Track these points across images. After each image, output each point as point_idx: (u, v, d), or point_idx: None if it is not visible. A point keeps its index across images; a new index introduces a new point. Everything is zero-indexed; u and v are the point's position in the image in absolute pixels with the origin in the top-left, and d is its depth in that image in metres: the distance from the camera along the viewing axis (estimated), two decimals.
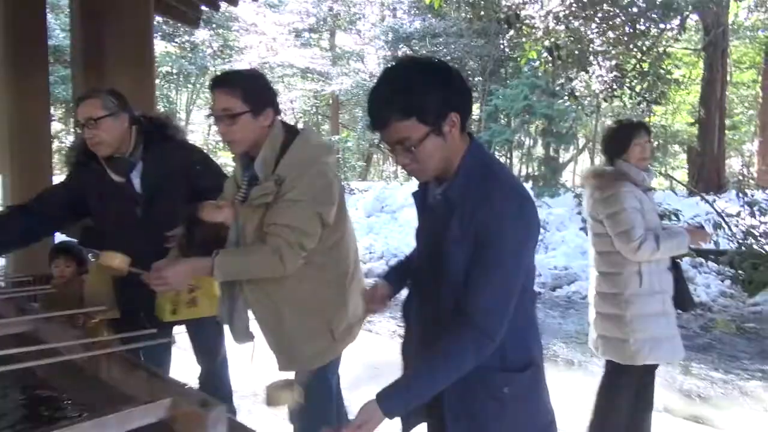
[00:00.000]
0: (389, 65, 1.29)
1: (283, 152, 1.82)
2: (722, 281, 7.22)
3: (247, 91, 1.78)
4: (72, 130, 20.06)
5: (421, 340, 1.42)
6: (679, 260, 2.61)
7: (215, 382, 2.41)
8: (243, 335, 2.01)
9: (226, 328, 2.06)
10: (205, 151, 2.70)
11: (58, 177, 3.12)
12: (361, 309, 2.06)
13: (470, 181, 1.24)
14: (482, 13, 7.40)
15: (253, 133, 1.82)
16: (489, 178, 1.25)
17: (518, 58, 10.16)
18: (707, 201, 8.28)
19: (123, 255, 1.83)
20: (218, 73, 2.13)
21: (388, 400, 1.21)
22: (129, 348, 1.37)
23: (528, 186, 13.32)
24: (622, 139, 2.50)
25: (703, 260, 7.67)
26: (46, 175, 4.46)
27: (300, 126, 2.10)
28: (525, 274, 1.27)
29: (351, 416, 1.30)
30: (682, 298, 2.56)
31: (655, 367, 2.61)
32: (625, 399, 2.56)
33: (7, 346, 1.37)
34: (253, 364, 2.01)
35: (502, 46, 18.48)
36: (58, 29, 14.16)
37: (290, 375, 1.92)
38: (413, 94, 1.21)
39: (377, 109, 1.26)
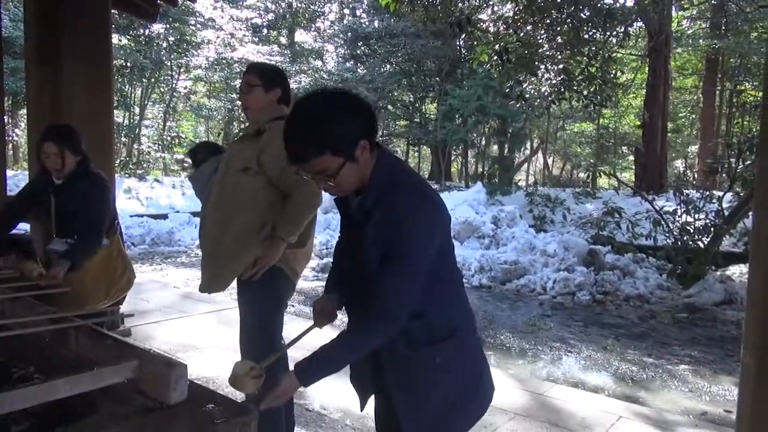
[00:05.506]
0: (299, 100, 1.40)
1: None
2: (660, 275, 7.65)
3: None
4: (18, 123, 19.43)
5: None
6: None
7: None
8: None
9: None
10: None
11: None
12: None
13: (379, 191, 1.41)
14: (438, 15, 7.59)
15: None
16: (393, 186, 1.40)
17: (472, 61, 10.44)
18: (647, 200, 8.72)
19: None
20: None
21: (302, 371, 1.40)
22: (93, 322, 1.47)
23: (480, 184, 13.66)
24: None
25: (643, 255, 8.10)
26: None
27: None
28: (439, 259, 1.44)
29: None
30: None
31: None
32: None
33: None
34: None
35: (458, 48, 18.85)
36: (7, 19, 13.69)
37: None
38: (325, 131, 1.32)
39: (293, 147, 1.35)
